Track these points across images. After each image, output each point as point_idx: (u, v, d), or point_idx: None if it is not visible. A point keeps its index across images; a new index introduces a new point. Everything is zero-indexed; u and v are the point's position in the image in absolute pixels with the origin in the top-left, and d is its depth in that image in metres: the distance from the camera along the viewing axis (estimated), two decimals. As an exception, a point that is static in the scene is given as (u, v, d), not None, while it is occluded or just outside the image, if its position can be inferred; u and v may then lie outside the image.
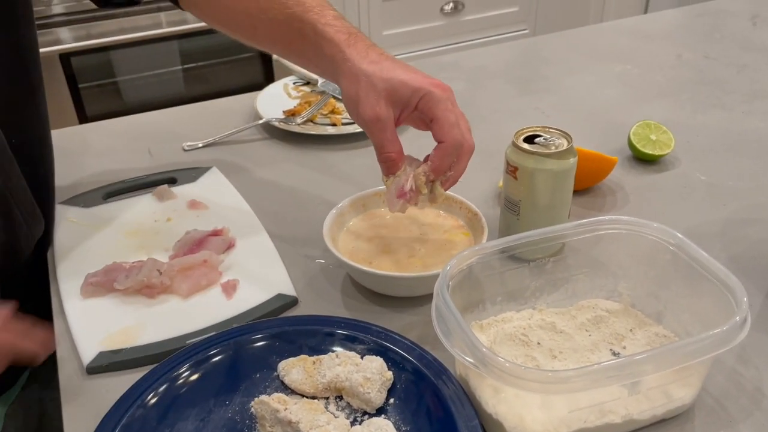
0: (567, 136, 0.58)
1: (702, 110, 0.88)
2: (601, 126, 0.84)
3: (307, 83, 0.96)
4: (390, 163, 0.54)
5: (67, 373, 0.51)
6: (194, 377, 0.47)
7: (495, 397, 0.44)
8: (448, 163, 0.54)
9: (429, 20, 2.59)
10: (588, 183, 0.70)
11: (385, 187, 0.56)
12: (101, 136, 0.86)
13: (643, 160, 0.76)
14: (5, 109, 0.58)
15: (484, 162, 0.68)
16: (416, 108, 0.53)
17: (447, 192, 0.58)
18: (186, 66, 2.20)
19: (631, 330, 0.51)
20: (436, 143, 0.54)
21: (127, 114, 0.93)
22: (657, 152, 0.75)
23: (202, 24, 2.24)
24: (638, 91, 0.94)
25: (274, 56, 0.96)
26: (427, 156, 0.55)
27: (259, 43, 0.63)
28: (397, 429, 0.44)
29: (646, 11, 2.78)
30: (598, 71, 1.01)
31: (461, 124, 0.53)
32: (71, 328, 0.54)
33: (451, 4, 2.60)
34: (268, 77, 2.32)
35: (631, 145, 0.76)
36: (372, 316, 0.55)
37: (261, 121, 0.85)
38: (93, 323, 0.54)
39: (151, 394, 0.46)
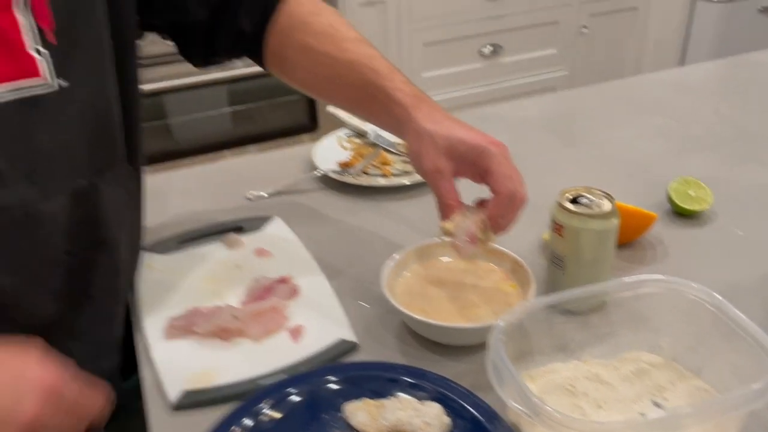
0: (609, 197, 0.62)
1: (740, 165, 0.92)
2: (641, 180, 0.88)
3: (359, 135, 1.03)
4: (448, 209, 0.61)
5: (154, 410, 0.57)
6: (276, 415, 0.53)
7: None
8: (502, 213, 0.59)
9: (468, 63, 2.67)
10: (629, 237, 0.74)
11: (444, 236, 0.61)
12: (160, 183, 0.93)
13: (683, 215, 0.80)
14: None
15: (528, 214, 0.73)
16: (473, 163, 0.59)
17: (495, 245, 0.63)
18: (234, 108, 2.31)
19: (672, 383, 0.55)
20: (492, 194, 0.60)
21: (178, 155, 1.01)
22: (696, 208, 0.79)
23: (250, 69, 2.35)
24: (676, 144, 0.98)
25: (329, 112, 1.03)
26: (479, 202, 0.61)
27: (335, 102, 0.71)
28: (454, 471, 0.48)
29: (683, 62, 2.81)
30: (637, 124, 1.05)
31: (514, 177, 0.59)
32: (158, 368, 0.60)
33: (490, 47, 2.67)
34: (312, 118, 2.41)
35: (670, 201, 0.80)
36: (427, 362, 0.59)
37: (318, 173, 0.92)
38: (177, 363, 0.60)
39: (239, 430, 0.51)
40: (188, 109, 2.22)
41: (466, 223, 0.60)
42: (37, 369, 0.49)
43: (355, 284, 0.70)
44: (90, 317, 0.63)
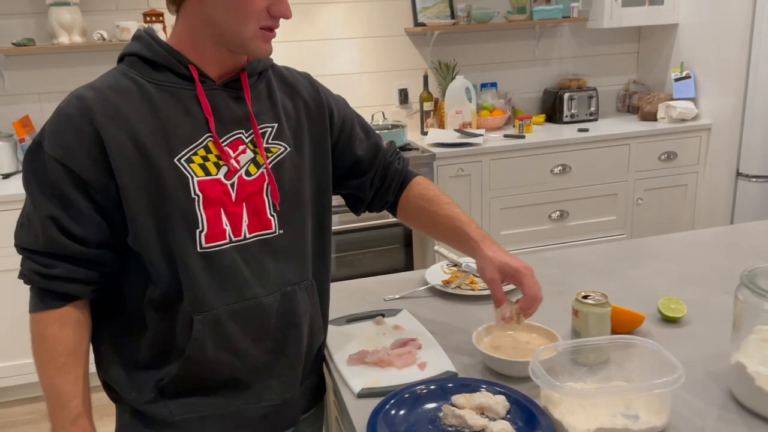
0: (605, 296, 1.09)
1: (713, 295, 1.34)
2: (644, 300, 1.32)
3: (455, 265, 1.53)
4: (498, 302, 1.10)
5: (347, 398, 1.04)
6: (414, 398, 0.99)
7: (558, 408, 0.91)
8: (528, 306, 1.08)
9: (538, 224, 3.17)
10: (626, 330, 1.18)
11: (496, 316, 1.10)
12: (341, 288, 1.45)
13: (667, 320, 1.23)
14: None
15: (567, 311, 1.19)
16: (513, 276, 1.09)
17: (529, 322, 1.11)
18: (340, 254, 2.87)
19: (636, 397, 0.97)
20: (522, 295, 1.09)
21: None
22: (675, 315, 1.22)
23: (355, 224, 2.95)
24: (672, 280, 1.42)
25: (435, 251, 1.55)
26: (516, 300, 1.10)
27: (436, 237, 1.23)
28: (512, 425, 0.92)
29: (732, 221, 3.21)
30: (653, 267, 1.50)
31: (536, 288, 1.08)
32: (346, 378, 1.07)
33: (558, 212, 3.19)
34: (408, 262, 2.95)
35: (659, 311, 1.24)
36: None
37: (428, 286, 1.42)
38: (356, 376, 1.08)
39: (395, 401, 0.98)
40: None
41: (506, 309, 1.09)
42: None
43: (454, 345, 1.17)
44: (283, 366, 1.09)
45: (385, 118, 3.06)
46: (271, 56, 1.06)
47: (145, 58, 1.01)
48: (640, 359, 0.99)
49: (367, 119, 3.04)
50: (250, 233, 1.04)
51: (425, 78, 3.28)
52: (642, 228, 3.29)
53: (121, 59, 1.04)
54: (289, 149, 1.09)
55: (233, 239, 1.02)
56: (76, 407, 1.00)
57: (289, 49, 3.16)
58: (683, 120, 3.23)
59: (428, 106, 3.27)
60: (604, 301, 1.08)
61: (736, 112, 3.08)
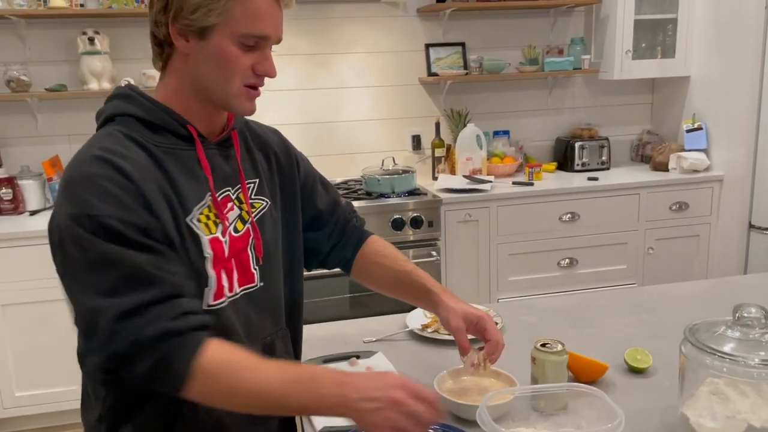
0: (562, 343, 1.12)
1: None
2: (613, 349, 1.35)
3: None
4: (464, 350, 1.14)
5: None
6: None
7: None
8: (492, 352, 1.12)
9: (547, 271, 3.18)
10: (590, 379, 1.20)
11: (462, 363, 1.14)
12: (316, 331, 1.51)
13: (633, 371, 1.25)
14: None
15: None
16: (476, 324, 1.14)
17: (493, 368, 1.15)
18: (353, 295, 2.92)
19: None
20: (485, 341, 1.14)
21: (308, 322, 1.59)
22: (640, 366, 1.24)
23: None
24: (644, 331, 1.44)
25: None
26: (480, 347, 1.14)
27: (396, 296, 1.27)
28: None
29: (745, 272, 3.18)
30: (632, 318, 1.53)
31: (498, 334, 1.13)
32: (310, 416, 1.13)
33: (567, 260, 3.20)
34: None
35: (625, 361, 1.26)
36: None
37: (407, 330, 1.47)
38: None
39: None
40: (318, 293, 2.85)
41: (473, 356, 1.13)
42: (397, 378, 0.92)
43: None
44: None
45: (395, 164, 3.14)
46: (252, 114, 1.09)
47: (142, 119, 1.01)
48: (591, 407, 1.02)
49: (378, 164, 3.14)
50: (239, 288, 1.07)
51: (437, 125, 3.37)
52: (653, 277, 3.27)
53: (110, 119, 1.02)
54: (269, 203, 1.15)
55: (228, 295, 1.05)
56: (308, 368, 0.99)
57: (304, 96, 3.30)
58: (695, 171, 3.24)
59: (440, 152, 3.36)
60: (560, 350, 1.11)
61: (748, 164, 3.08)
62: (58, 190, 0.98)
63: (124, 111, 1.02)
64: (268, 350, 1.13)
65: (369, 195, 2.99)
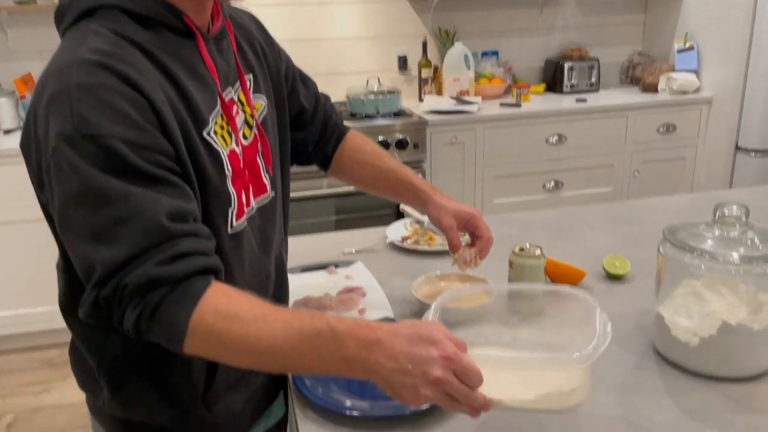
0: (540, 248, 1.11)
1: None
2: (593, 257, 1.35)
3: (418, 223, 1.56)
4: (455, 247, 1.13)
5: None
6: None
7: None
8: (483, 248, 1.11)
9: (532, 194, 3.17)
10: (567, 284, 1.20)
11: (454, 262, 1.14)
12: (298, 242, 1.50)
13: (611, 277, 1.26)
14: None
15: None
16: (468, 221, 1.12)
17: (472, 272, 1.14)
18: (339, 217, 2.91)
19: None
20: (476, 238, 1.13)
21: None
22: (618, 272, 1.24)
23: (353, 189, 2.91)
24: (624, 241, 1.44)
25: (401, 210, 1.57)
26: (469, 243, 1.13)
27: (379, 193, 1.23)
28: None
29: (730, 186, 3.17)
30: (614, 228, 1.52)
31: (488, 231, 1.12)
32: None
33: (552, 182, 3.18)
34: (400, 228, 2.98)
35: (603, 268, 1.26)
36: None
37: (388, 241, 1.46)
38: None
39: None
40: (301, 215, 2.84)
41: (465, 254, 1.12)
42: (439, 340, 0.73)
43: (398, 294, 1.21)
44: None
45: (380, 84, 3.07)
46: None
47: (129, 11, 0.81)
48: (572, 312, 1.01)
49: (363, 84, 3.07)
50: (254, 201, 0.96)
51: (424, 44, 3.27)
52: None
53: (88, 13, 0.81)
54: (267, 101, 1.02)
55: (246, 211, 0.93)
56: (326, 322, 0.76)
57: (286, 12, 3.17)
58: (684, 92, 3.19)
59: (426, 73, 3.27)
60: (538, 254, 1.10)
61: (738, 84, 3.03)
62: (33, 105, 0.78)
63: (108, 2, 0.81)
64: (279, 264, 1.06)
65: (354, 116, 2.94)
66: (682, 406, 0.90)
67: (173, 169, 0.79)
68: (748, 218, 0.97)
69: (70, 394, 2.48)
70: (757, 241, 0.94)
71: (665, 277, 1.01)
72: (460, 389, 0.72)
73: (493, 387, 0.75)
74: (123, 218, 0.73)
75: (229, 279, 0.88)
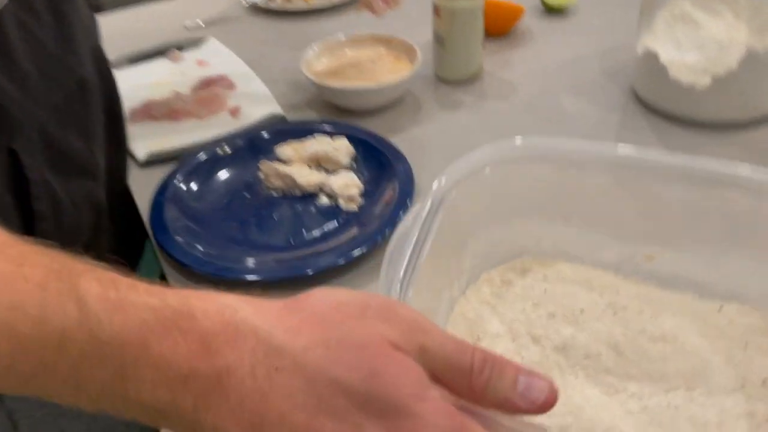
0: (475, -16, 0.78)
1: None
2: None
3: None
4: None
5: (133, 170, 0.73)
6: (228, 152, 0.70)
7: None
8: None
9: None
10: (502, 28, 0.90)
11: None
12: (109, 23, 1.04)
13: (551, 11, 0.96)
14: None
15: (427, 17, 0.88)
16: None
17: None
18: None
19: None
20: None
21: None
22: (561, 3, 0.95)
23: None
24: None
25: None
26: None
27: None
28: (358, 178, 0.66)
29: None
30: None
31: None
32: (130, 141, 0.75)
33: None
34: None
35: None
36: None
37: (247, 5, 1.04)
38: (140, 138, 0.75)
39: (189, 168, 0.68)
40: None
41: None
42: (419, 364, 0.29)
43: (281, 79, 0.85)
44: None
45: None
46: None
47: None
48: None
49: None
50: None
51: None
52: None
53: None
54: None
55: None
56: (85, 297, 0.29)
57: None
58: None
59: None
60: (473, -10, 0.77)
61: None
62: None
63: None
64: (98, 60, 0.68)
65: None
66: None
67: None
68: None
69: None
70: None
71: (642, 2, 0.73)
72: None
73: None
74: None
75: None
